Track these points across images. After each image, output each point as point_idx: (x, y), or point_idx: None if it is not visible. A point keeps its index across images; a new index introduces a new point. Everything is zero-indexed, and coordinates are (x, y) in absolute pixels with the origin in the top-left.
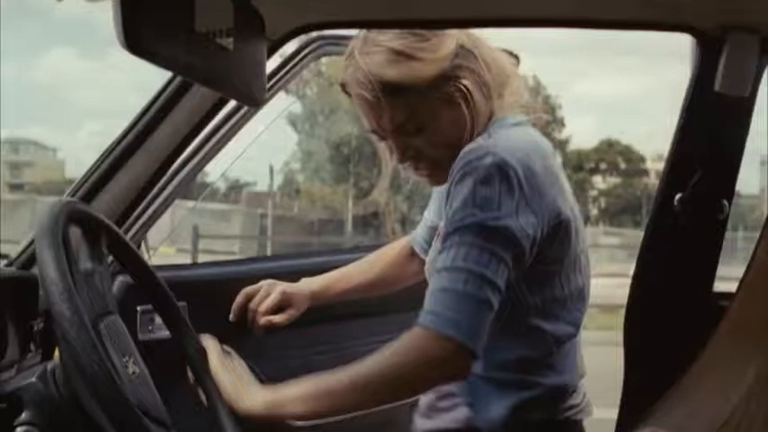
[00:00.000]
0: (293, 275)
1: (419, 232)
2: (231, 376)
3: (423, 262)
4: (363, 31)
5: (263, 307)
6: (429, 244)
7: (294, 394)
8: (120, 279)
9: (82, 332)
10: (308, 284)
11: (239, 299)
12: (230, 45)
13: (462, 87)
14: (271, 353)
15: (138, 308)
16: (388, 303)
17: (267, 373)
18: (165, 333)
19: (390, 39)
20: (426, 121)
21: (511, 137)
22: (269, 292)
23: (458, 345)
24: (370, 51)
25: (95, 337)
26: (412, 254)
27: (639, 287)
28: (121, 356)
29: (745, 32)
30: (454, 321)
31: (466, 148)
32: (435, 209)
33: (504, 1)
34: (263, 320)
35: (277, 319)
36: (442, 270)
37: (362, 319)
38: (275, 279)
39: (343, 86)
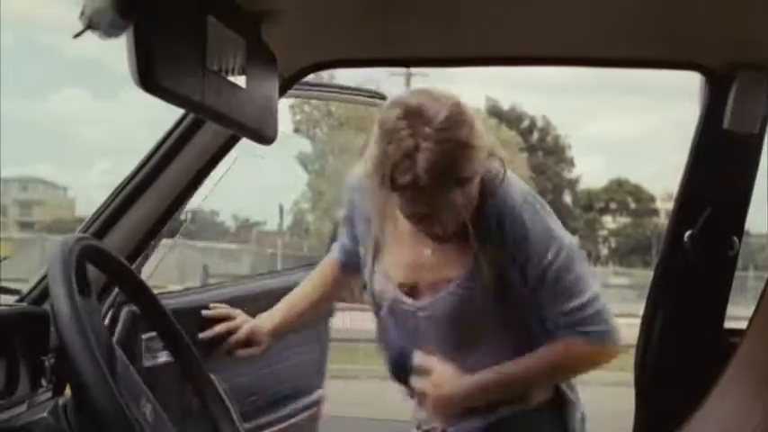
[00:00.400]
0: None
1: (340, 254)
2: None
3: (350, 277)
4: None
5: (233, 340)
6: (352, 261)
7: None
8: (126, 309)
9: (95, 369)
10: (269, 321)
11: (220, 328)
12: (242, 83)
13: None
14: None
15: (143, 336)
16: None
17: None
18: (165, 359)
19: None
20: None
21: (511, 180)
22: (239, 327)
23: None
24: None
25: (108, 374)
26: (341, 272)
27: (650, 326)
28: (136, 397)
29: (754, 70)
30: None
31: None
32: (348, 234)
33: (513, 39)
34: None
35: (241, 353)
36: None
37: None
38: (236, 303)
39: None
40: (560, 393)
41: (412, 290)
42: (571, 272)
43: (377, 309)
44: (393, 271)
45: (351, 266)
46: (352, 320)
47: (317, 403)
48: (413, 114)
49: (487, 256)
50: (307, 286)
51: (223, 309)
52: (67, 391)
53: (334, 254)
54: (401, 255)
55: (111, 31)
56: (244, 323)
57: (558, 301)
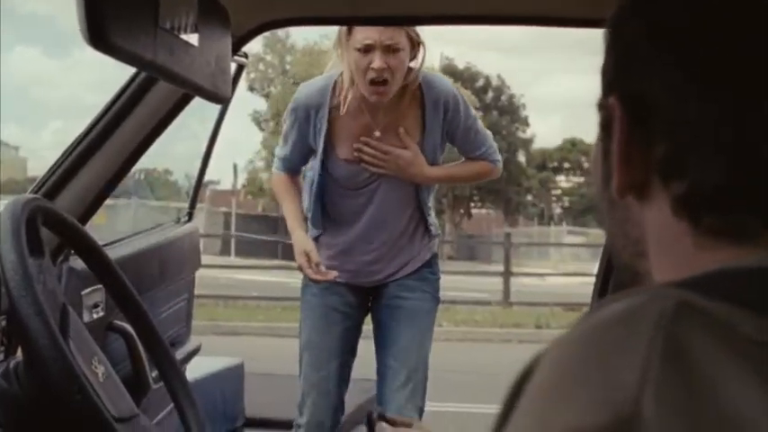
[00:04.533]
0: None
1: (284, 166)
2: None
3: (297, 178)
4: None
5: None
6: (293, 166)
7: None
8: (66, 266)
9: (46, 330)
10: (306, 237)
11: (302, 262)
12: (195, 41)
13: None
14: None
15: (83, 292)
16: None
17: None
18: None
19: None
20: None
21: (442, 77)
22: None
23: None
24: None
25: (60, 335)
26: (292, 177)
27: (603, 285)
28: (89, 358)
29: None
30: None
31: (430, 77)
32: (287, 147)
33: None
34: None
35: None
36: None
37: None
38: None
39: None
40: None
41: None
42: (480, 130)
43: (333, 187)
44: (349, 153)
45: (293, 171)
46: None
47: (195, 352)
48: None
49: (428, 128)
50: (288, 200)
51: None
52: (19, 352)
53: (279, 168)
54: (355, 140)
55: None
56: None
57: (476, 146)
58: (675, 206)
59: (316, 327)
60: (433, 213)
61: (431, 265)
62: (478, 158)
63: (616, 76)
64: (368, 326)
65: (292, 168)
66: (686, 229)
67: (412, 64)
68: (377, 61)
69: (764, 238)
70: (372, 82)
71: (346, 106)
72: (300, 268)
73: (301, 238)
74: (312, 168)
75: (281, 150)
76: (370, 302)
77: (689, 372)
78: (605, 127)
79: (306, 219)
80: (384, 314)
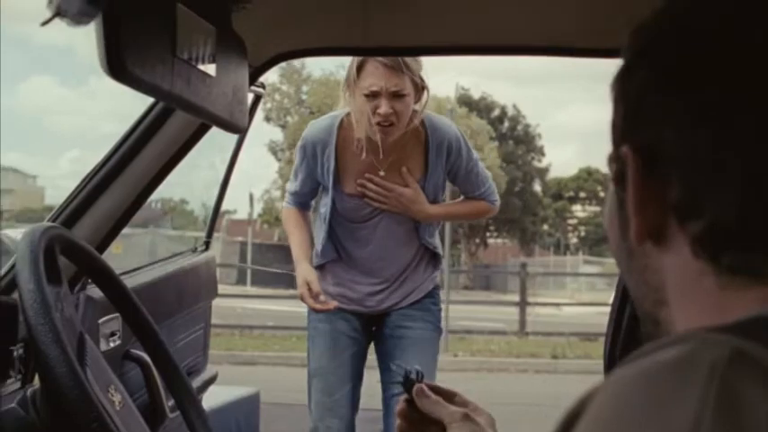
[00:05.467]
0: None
1: (294, 201)
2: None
3: (307, 213)
4: None
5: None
6: (303, 201)
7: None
8: (83, 295)
9: (64, 358)
10: (310, 269)
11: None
12: (212, 71)
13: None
14: None
15: (100, 321)
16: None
17: None
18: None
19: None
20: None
21: (447, 120)
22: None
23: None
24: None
25: (77, 363)
26: (302, 211)
27: (619, 315)
28: (106, 386)
29: None
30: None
31: (435, 120)
32: (298, 181)
33: (483, 29)
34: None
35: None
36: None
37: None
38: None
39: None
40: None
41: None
42: (481, 172)
43: (340, 220)
44: (353, 188)
45: (302, 205)
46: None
47: (212, 381)
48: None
49: (431, 169)
50: (296, 233)
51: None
52: (36, 381)
53: (289, 203)
54: (360, 177)
55: (79, 18)
56: (311, 282)
57: (476, 187)
58: (694, 247)
59: (326, 352)
60: (438, 244)
61: (433, 295)
62: (477, 198)
63: (627, 127)
64: (371, 355)
65: (301, 202)
66: (707, 270)
67: (416, 107)
68: (383, 107)
69: None
70: (379, 124)
71: (353, 144)
72: (302, 298)
73: (304, 268)
74: (324, 204)
75: (291, 185)
76: (374, 330)
77: (742, 423)
78: (619, 178)
79: (312, 251)
80: (389, 344)
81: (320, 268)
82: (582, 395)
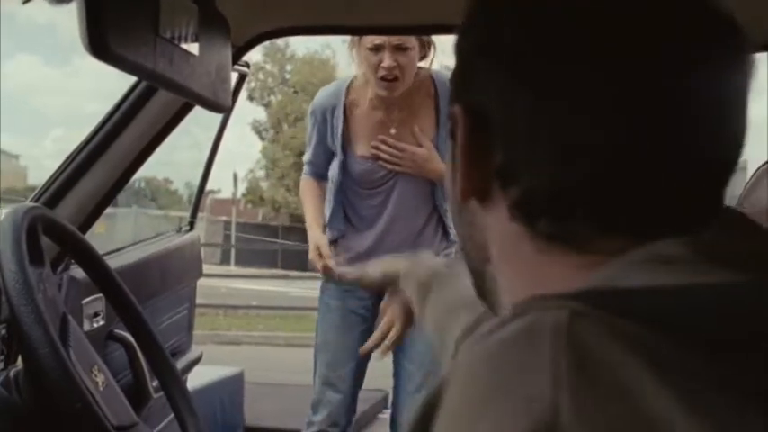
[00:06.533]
0: None
1: (311, 170)
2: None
3: (324, 182)
4: None
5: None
6: (320, 171)
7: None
8: (66, 275)
9: (47, 338)
10: (321, 236)
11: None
12: (195, 50)
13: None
14: None
15: (83, 301)
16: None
17: None
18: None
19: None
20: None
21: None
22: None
23: None
24: None
25: (60, 344)
26: (319, 181)
27: None
28: (89, 367)
29: None
30: None
31: (444, 76)
32: (312, 150)
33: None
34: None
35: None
36: None
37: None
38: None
39: None
40: None
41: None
42: None
43: (352, 185)
44: (366, 150)
45: (319, 175)
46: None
47: (196, 361)
48: None
49: (443, 125)
50: (310, 202)
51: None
52: (19, 361)
53: (306, 173)
54: (371, 137)
55: None
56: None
57: None
58: (511, 211)
59: (334, 327)
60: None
61: None
62: None
63: (459, 86)
64: None
65: (318, 172)
66: (524, 234)
67: (423, 63)
68: (386, 60)
69: (598, 245)
70: (383, 78)
71: (362, 104)
72: (313, 263)
73: (316, 234)
74: (333, 169)
75: (306, 155)
76: None
77: (600, 376)
78: (452, 135)
79: (324, 224)
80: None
81: (332, 244)
82: (437, 385)
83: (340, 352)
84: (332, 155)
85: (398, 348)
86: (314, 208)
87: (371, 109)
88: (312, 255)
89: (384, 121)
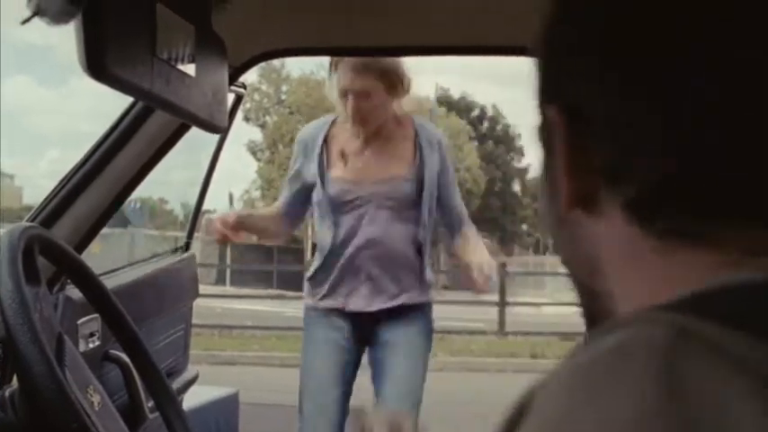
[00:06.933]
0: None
1: (284, 206)
2: None
3: (288, 223)
4: None
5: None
6: (291, 210)
7: None
8: (62, 295)
9: (42, 358)
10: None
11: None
12: (192, 71)
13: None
14: None
15: (79, 321)
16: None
17: None
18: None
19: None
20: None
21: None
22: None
23: None
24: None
25: (56, 364)
26: (284, 216)
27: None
28: (84, 387)
29: None
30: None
31: (422, 121)
32: (291, 189)
33: (465, 29)
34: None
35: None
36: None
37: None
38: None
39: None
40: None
41: (359, 184)
42: (457, 188)
43: (328, 208)
44: (343, 173)
45: (289, 215)
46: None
47: (193, 381)
48: None
49: (426, 160)
50: (265, 210)
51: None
52: (14, 381)
53: (279, 204)
54: (347, 160)
55: (59, 17)
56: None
57: (453, 196)
58: (626, 212)
59: (318, 357)
60: (428, 265)
61: (425, 312)
62: (454, 210)
63: (552, 89)
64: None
65: (286, 203)
66: (642, 236)
67: (396, 104)
68: (348, 106)
69: (732, 241)
70: (352, 120)
71: (342, 134)
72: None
73: (240, 212)
74: (315, 195)
75: (282, 192)
76: (369, 343)
77: (690, 408)
78: (546, 143)
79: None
80: (383, 352)
81: (313, 278)
82: (526, 391)
83: (326, 379)
84: (303, 198)
85: (378, 376)
86: (263, 211)
87: (351, 136)
88: (218, 220)
89: (361, 147)
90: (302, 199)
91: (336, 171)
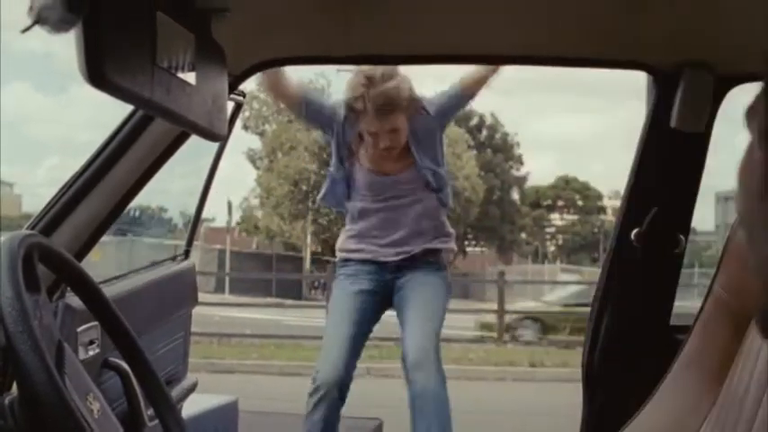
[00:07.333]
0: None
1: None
2: None
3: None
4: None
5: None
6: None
7: None
8: (62, 303)
9: (42, 366)
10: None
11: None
12: (192, 79)
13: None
14: None
15: (78, 329)
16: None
17: None
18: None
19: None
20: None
21: None
22: None
23: None
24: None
25: (56, 371)
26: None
27: (598, 323)
28: (84, 394)
29: (700, 69)
30: None
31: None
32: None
33: (462, 39)
34: None
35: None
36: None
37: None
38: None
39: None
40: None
41: (380, 173)
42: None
43: (355, 191)
44: (370, 164)
45: (305, 106)
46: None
47: (192, 389)
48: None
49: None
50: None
51: None
52: (14, 388)
53: (306, 92)
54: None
55: (59, 26)
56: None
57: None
58: None
59: (344, 301)
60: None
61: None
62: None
63: None
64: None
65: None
66: None
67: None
68: (382, 143)
69: None
70: (383, 149)
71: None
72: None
73: None
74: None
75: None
76: (392, 284)
77: None
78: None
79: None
80: (406, 291)
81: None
82: None
83: (347, 316)
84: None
85: (402, 308)
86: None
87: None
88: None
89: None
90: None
91: (363, 164)
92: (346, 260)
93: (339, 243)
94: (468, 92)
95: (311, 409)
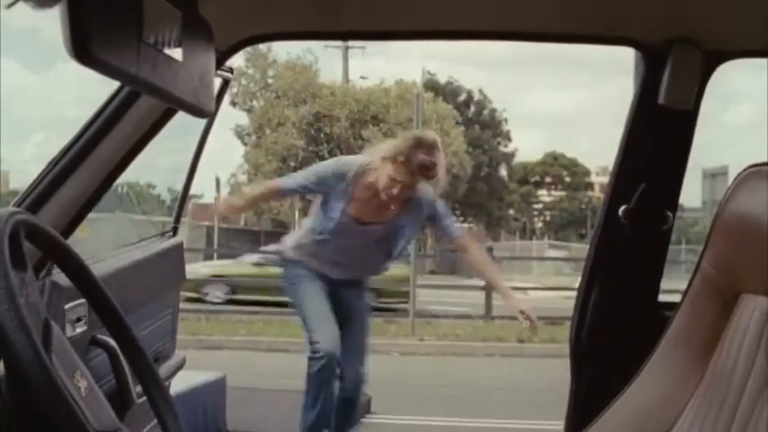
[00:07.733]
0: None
1: (291, 186)
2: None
3: (281, 196)
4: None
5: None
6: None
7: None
8: (48, 280)
9: (29, 343)
10: (235, 199)
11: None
12: (178, 56)
13: None
14: None
15: (66, 306)
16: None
17: None
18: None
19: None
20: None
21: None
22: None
23: None
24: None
25: (43, 349)
26: (280, 190)
27: (585, 299)
28: (71, 372)
29: (689, 46)
30: None
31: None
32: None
33: (452, 14)
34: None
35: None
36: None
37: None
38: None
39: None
40: None
41: (364, 222)
42: (447, 216)
43: (334, 229)
44: (356, 212)
45: (285, 195)
46: None
47: (180, 366)
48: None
49: (410, 215)
50: (263, 189)
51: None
52: (0, 367)
53: (282, 184)
54: (365, 206)
55: (44, 1)
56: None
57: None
58: None
59: (311, 285)
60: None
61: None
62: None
63: None
64: None
65: (291, 188)
66: None
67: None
68: (395, 192)
69: None
70: (424, 169)
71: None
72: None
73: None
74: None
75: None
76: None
77: None
78: None
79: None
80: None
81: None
82: None
83: (322, 295)
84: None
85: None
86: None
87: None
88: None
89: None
90: (305, 193)
91: (350, 209)
92: (299, 262)
93: (298, 239)
94: (456, 248)
95: (315, 371)
